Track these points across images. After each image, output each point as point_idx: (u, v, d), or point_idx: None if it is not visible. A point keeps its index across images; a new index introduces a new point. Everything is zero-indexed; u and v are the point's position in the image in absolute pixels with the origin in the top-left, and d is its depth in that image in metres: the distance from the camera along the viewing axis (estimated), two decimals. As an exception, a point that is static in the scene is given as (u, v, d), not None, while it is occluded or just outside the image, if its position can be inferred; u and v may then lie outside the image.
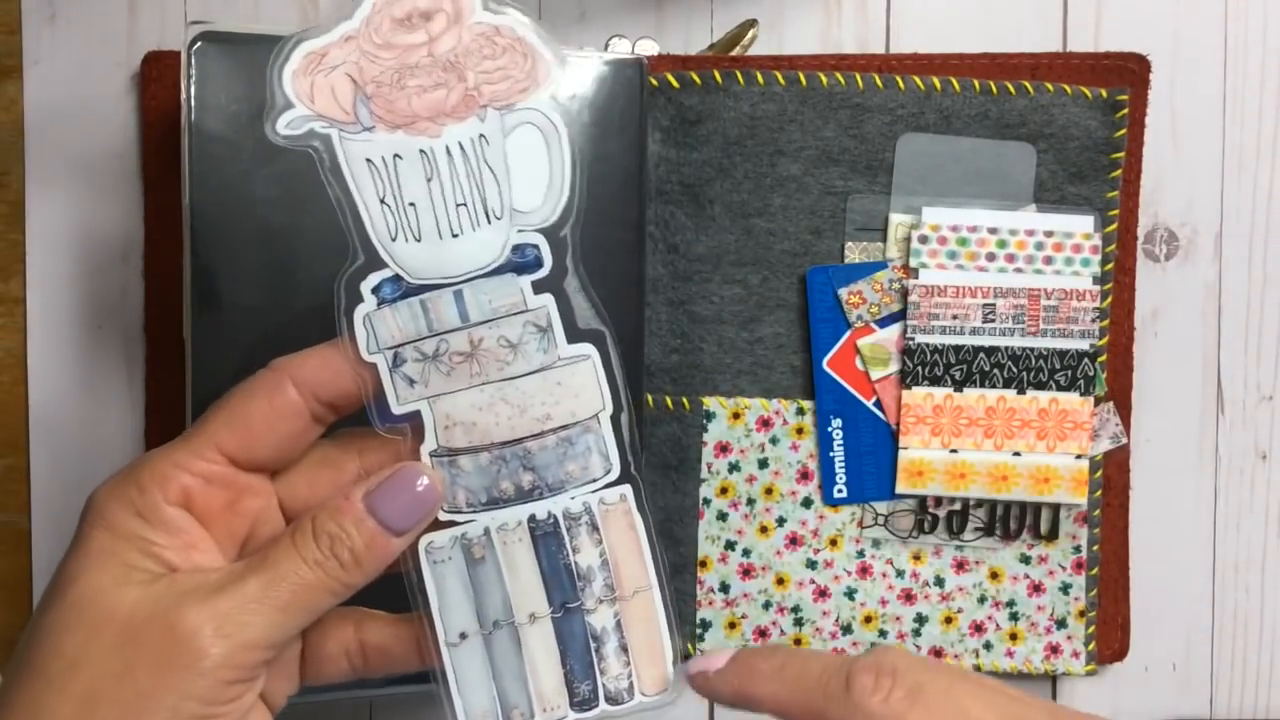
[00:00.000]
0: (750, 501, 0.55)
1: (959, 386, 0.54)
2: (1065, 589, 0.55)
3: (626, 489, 0.39)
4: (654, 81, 0.53)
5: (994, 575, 0.55)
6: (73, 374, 0.55)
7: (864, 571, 0.55)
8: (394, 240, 0.37)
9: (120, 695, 0.35)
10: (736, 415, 0.55)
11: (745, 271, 0.54)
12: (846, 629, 0.55)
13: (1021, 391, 0.54)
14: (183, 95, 0.48)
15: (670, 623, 0.39)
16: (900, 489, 0.55)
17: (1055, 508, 0.55)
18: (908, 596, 0.55)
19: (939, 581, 0.55)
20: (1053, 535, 0.55)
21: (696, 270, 0.54)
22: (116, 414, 0.55)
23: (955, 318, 0.54)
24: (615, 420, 0.39)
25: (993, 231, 0.54)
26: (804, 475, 0.55)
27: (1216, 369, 0.57)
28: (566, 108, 0.51)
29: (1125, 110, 0.54)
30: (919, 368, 0.54)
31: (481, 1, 0.36)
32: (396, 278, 0.37)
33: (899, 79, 0.54)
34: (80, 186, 0.55)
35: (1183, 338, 0.57)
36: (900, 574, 0.55)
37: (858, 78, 0.54)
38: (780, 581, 0.55)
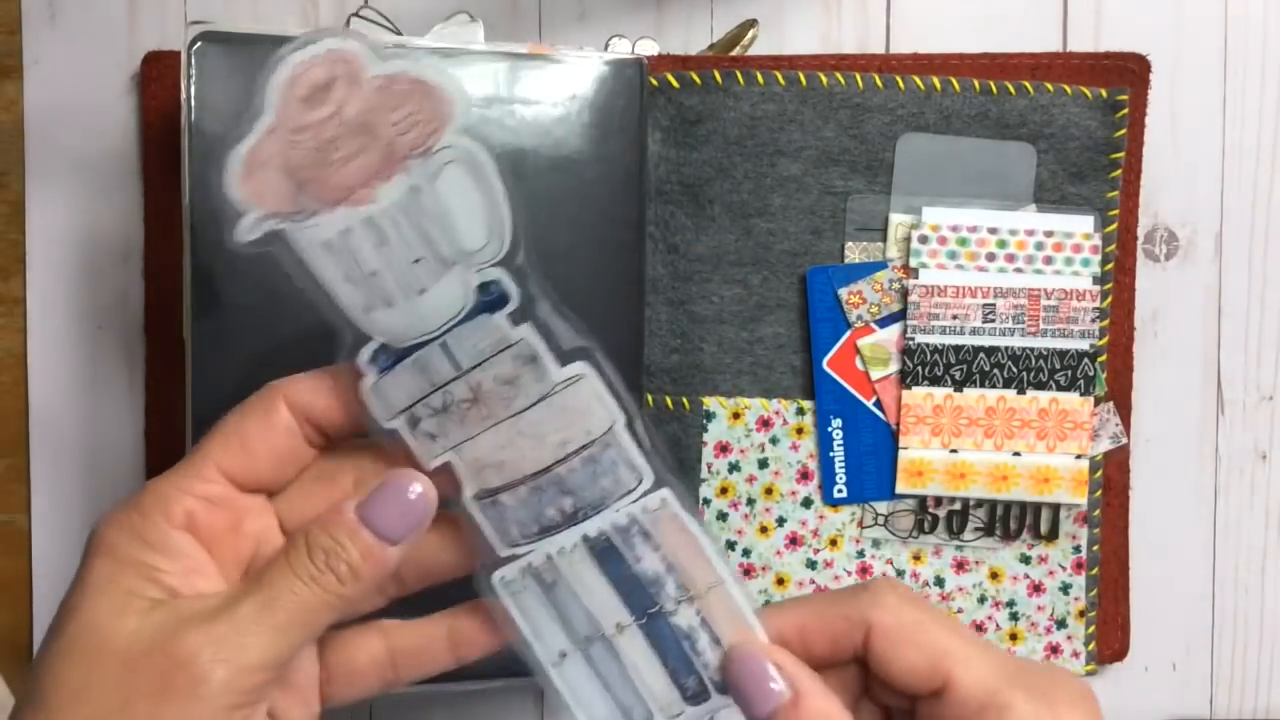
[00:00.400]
0: (750, 501, 0.55)
1: (959, 386, 0.54)
2: (1065, 589, 0.55)
3: (665, 493, 0.39)
4: (654, 81, 0.53)
5: (994, 575, 0.55)
6: (73, 374, 0.55)
7: (864, 571, 0.55)
8: (369, 312, 0.37)
9: None
10: (736, 415, 0.55)
11: (745, 271, 0.54)
12: (846, 629, 0.55)
13: (1021, 391, 0.54)
14: (183, 95, 0.48)
15: (751, 606, 0.39)
16: (900, 489, 0.55)
17: (1055, 508, 0.55)
18: (908, 596, 0.55)
19: (939, 581, 0.55)
20: (1053, 535, 0.55)
21: (696, 270, 0.54)
22: (116, 414, 0.55)
23: (955, 318, 0.54)
24: (631, 429, 0.39)
25: (993, 231, 0.54)
26: (804, 475, 0.55)
27: (1216, 369, 0.57)
28: (566, 108, 0.51)
29: (1125, 110, 0.54)
30: (919, 368, 0.54)
31: (369, 55, 0.36)
32: (384, 346, 0.37)
33: (899, 79, 0.54)
34: (80, 186, 0.55)
35: (1183, 338, 0.57)
36: (900, 574, 0.55)
37: (858, 78, 0.54)
38: (780, 582, 0.55)
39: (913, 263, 0.54)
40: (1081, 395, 0.54)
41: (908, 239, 0.54)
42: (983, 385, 0.54)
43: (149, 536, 0.36)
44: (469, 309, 0.38)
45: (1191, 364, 0.57)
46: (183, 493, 0.37)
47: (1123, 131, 0.54)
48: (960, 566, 0.55)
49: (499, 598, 0.39)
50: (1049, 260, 0.54)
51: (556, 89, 0.51)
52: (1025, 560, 0.55)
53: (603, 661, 0.39)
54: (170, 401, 0.54)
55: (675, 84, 0.54)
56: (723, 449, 0.55)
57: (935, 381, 0.54)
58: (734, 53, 0.56)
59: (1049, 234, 0.54)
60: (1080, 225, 0.54)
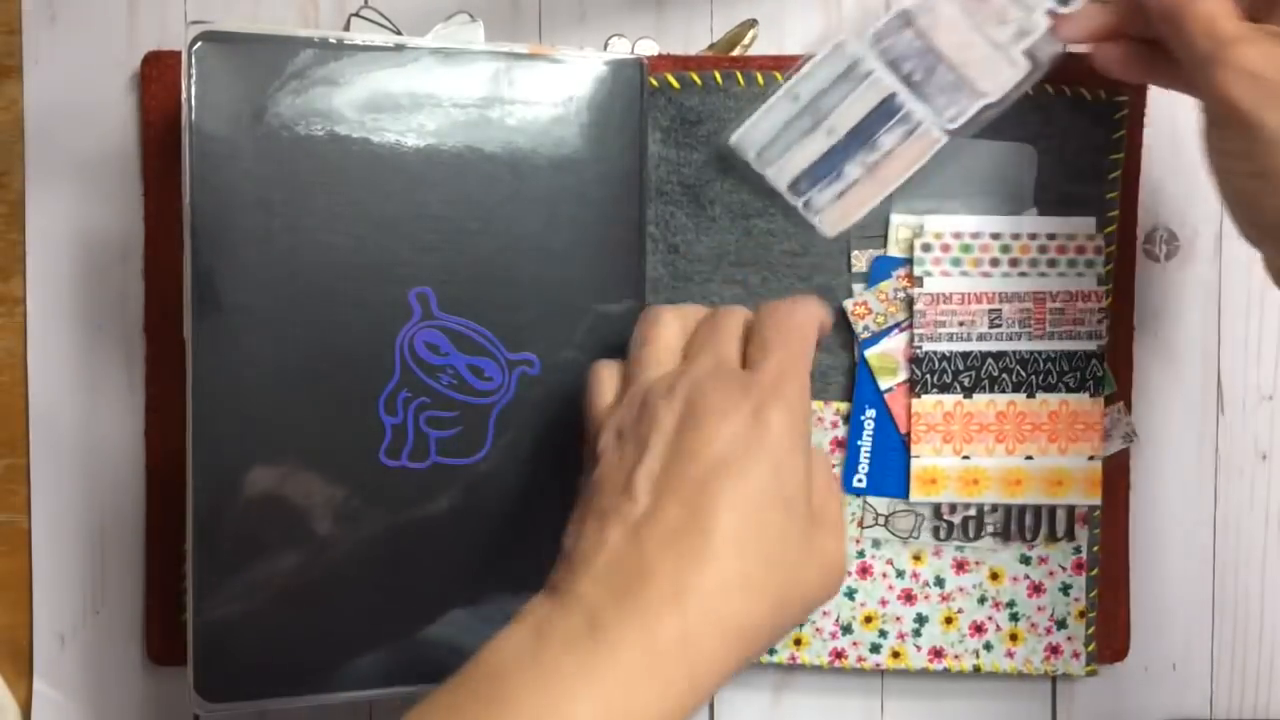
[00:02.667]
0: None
1: (968, 393, 0.54)
2: (1065, 589, 0.55)
3: None
4: (654, 81, 0.53)
5: (994, 576, 0.55)
6: (73, 374, 0.55)
7: (864, 571, 0.55)
8: None
9: None
10: (736, 415, 0.54)
11: (745, 272, 0.54)
12: (847, 629, 0.55)
13: (1031, 395, 0.54)
14: (183, 95, 0.48)
15: None
16: (914, 497, 0.55)
17: (1070, 509, 0.55)
18: (908, 597, 0.55)
19: (939, 582, 0.55)
20: (1069, 536, 0.55)
21: (696, 270, 0.54)
22: (116, 414, 0.55)
23: (962, 324, 0.54)
24: None
25: (995, 237, 0.54)
26: (804, 475, 0.55)
27: (1216, 369, 0.57)
28: (566, 108, 0.51)
29: (1125, 112, 0.54)
30: (928, 375, 0.54)
31: None
32: None
33: (899, 79, 0.54)
34: (80, 186, 0.55)
35: (1183, 338, 0.57)
36: (900, 574, 0.55)
37: (858, 78, 0.54)
38: (780, 581, 0.55)
39: (917, 271, 0.54)
40: (1092, 396, 0.54)
41: (910, 242, 0.54)
42: (992, 390, 0.54)
43: None
44: None
45: (1191, 364, 0.57)
46: None
47: (1122, 133, 0.54)
48: (960, 567, 0.55)
49: None
50: (1053, 263, 0.54)
51: (556, 89, 0.51)
52: (1025, 561, 0.55)
53: None
54: (170, 401, 0.54)
55: (675, 84, 0.54)
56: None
57: (945, 389, 0.54)
58: (734, 53, 0.56)
59: (1051, 237, 0.54)
60: (1082, 227, 0.54)
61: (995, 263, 0.54)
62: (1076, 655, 0.55)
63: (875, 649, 0.55)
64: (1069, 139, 0.54)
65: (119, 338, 0.55)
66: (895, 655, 0.55)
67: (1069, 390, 0.54)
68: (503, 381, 0.51)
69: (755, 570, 0.41)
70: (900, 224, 0.54)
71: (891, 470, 0.55)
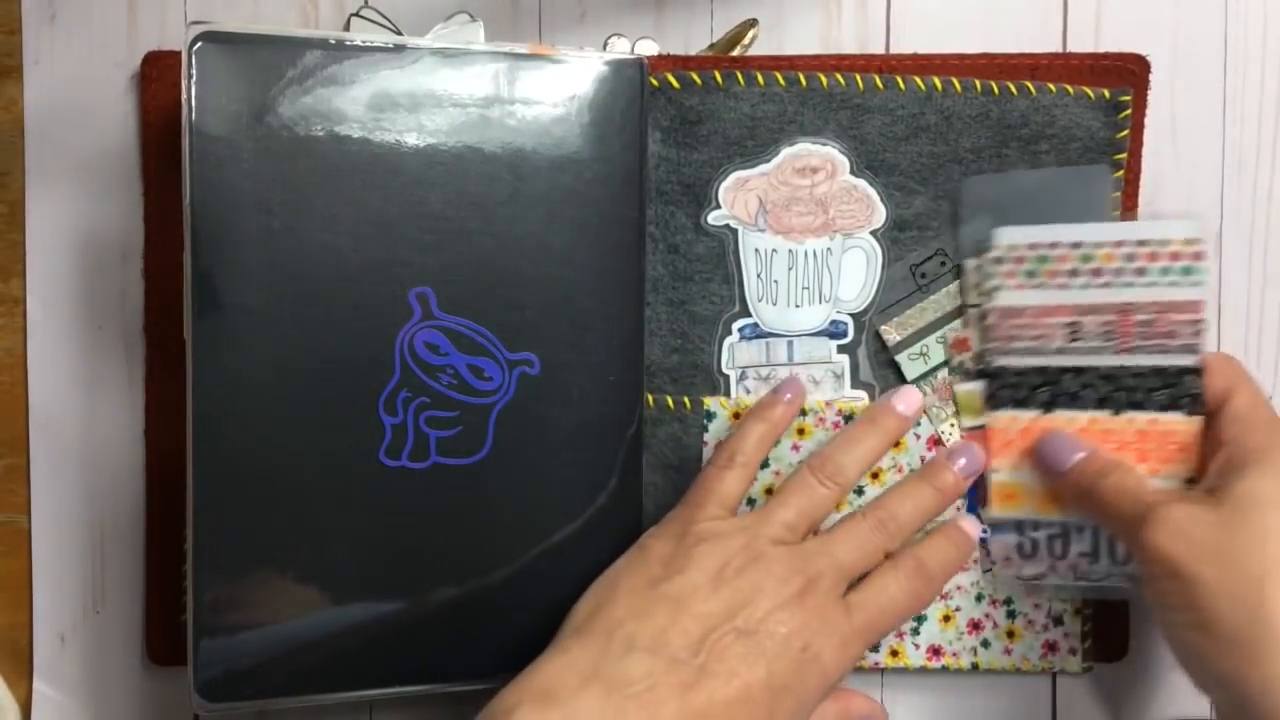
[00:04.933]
0: (751, 501, 0.55)
1: (1047, 408, 0.52)
2: (1065, 589, 0.55)
3: None
4: (654, 81, 0.53)
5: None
6: (73, 374, 0.55)
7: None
8: (759, 301, 0.54)
9: None
10: (737, 415, 0.55)
11: (745, 271, 0.55)
12: (846, 629, 0.55)
13: (1116, 413, 0.52)
14: (183, 95, 0.48)
15: None
16: (994, 514, 0.53)
17: None
18: (907, 596, 0.55)
19: (939, 581, 0.55)
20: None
21: (696, 270, 0.54)
22: (116, 414, 0.55)
23: (1037, 338, 0.52)
24: None
25: (1075, 246, 0.51)
26: (804, 475, 0.55)
27: (1216, 369, 0.57)
28: (566, 108, 0.51)
29: (1128, 111, 0.54)
30: (1002, 390, 0.53)
31: (849, 168, 0.53)
32: (755, 324, 0.54)
33: (899, 79, 0.54)
34: (80, 186, 0.55)
35: (1182, 338, 0.57)
36: (900, 574, 0.55)
37: (858, 78, 0.54)
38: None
39: (988, 285, 0.53)
40: (1188, 415, 0.51)
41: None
42: (1072, 407, 0.52)
43: None
44: (819, 330, 0.54)
45: (1191, 364, 0.57)
46: None
47: (1125, 132, 0.54)
48: (960, 566, 0.55)
49: None
50: (1141, 272, 0.51)
51: (556, 89, 0.51)
52: (1025, 560, 0.55)
53: None
54: (170, 401, 0.54)
55: (675, 84, 0.54)
56: (723, 449, 0.55)
57: (1020, 404, 0.53)
58: (734, 53, 0.56)
59: (1141, 243, 0.51)
60: (1180, 231, 0.51)
61: (1075, 273, 0.52)
62: (1073, 651, 0.55)
63: (874, 648, 0.55)
64: (1071, 139, 0.54)
65: (119, 338, 0.55)
66: (894, 654, 0.55)
67: (1160, 408, 0.51)
68: (503, 381, 0.51)
69: None
70: (973, 267, 0.53)
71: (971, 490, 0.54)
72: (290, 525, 0.49)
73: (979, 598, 0.55)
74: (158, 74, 0.54)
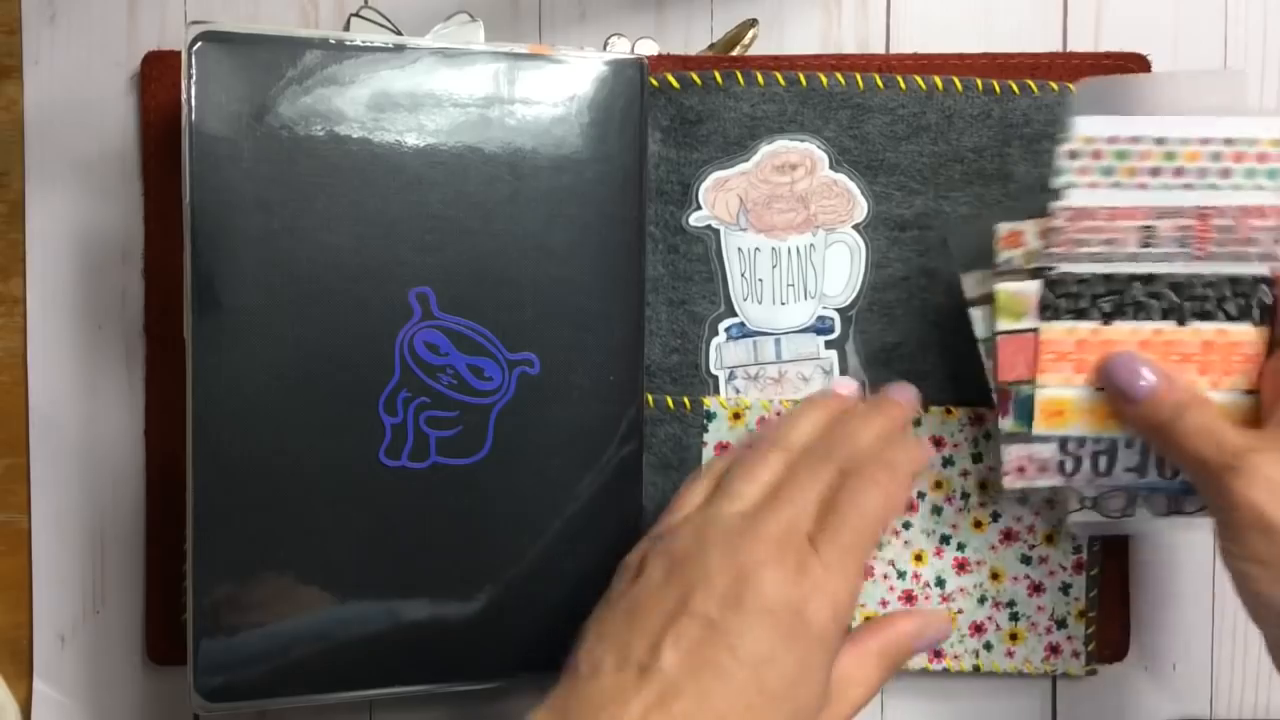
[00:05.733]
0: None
1: (1108, 319, 0.49)
2: (1065, 589, 0.55)
3: None
4: (654, 81, 0.53)
5: (994, 576, 0.55)
6: (73, 374, 0.55)
7: (865, 573, 0.55)
8: (744, 300, 0.54)
9: None
10: (737, 415, 0.55)
11: (745, 271, 0.55)
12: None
13: (1182, 323, 0.49)
14: (183, 95, 0.48)
15: None
16: (1038, 429, 0.50)
17: None
18: (909, 597, 0.55)
19: (939, 582, 0.55)
20: None
21: (697, 270, 0.54)
22: (116, 414, 0.55)
23: (1108, 243, 0.48)
24: None
25: (1160, 142, 0.47)
26: (804, 475, 0.55)
27: (1217, 369, 0.57)
28: (566, 108, 0.51)
29: (1128, 109, 0.54)
30: (1061, 300, 0.49)
31: (828, 163, 0.53)
32: (742, 324, 0.54)
33: (899, 79, 0.54)
34: (80, 186, 0.55)
35: (1183, 338, 0.57)
36: (901, 575, 0.55)
37: (858, 78, 0.54)
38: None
39: (1059, 182, 0.48)
40: (1256, 325, 0.48)
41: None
42: (1136, 318, 0.49)
43: None
44: (805, 327, 0.54)
45: (1192, 364, 0.57)
46: None
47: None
48: (961, 567, 0.55)
49: None
50: (1226, 173, 0.47)
51: (556, 89, 0.51)
52: (1025, 560, 0.55)
53: None
54: (170, 401, 0.54)
55: (675, 84, 0.54)
56: (723, 449, 0.55)
57: (1080, 315, 0.49)
58: (734, 53, 0.56)
59: (1229, 142, 0.47)
60: (1270, 130, 0.47)
61: (1156, 172, 0.47)
62: (1076, 655, 0.55)
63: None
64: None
65: (119, 338, 0.55)
66: (895, 655, 0.55)
67: (1229, 318, 0.48)
68: (503, 381, 0.51)
69: None
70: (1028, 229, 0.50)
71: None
72: (290, 525, 0.49)
73: (981, 600, 0.55)
74: (158, 74, 0.54)
